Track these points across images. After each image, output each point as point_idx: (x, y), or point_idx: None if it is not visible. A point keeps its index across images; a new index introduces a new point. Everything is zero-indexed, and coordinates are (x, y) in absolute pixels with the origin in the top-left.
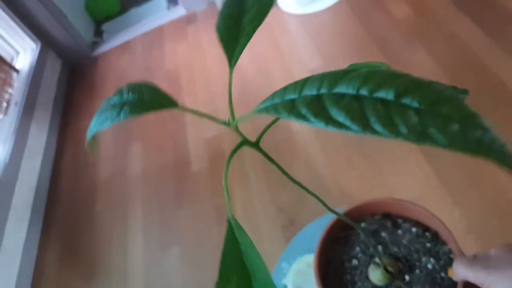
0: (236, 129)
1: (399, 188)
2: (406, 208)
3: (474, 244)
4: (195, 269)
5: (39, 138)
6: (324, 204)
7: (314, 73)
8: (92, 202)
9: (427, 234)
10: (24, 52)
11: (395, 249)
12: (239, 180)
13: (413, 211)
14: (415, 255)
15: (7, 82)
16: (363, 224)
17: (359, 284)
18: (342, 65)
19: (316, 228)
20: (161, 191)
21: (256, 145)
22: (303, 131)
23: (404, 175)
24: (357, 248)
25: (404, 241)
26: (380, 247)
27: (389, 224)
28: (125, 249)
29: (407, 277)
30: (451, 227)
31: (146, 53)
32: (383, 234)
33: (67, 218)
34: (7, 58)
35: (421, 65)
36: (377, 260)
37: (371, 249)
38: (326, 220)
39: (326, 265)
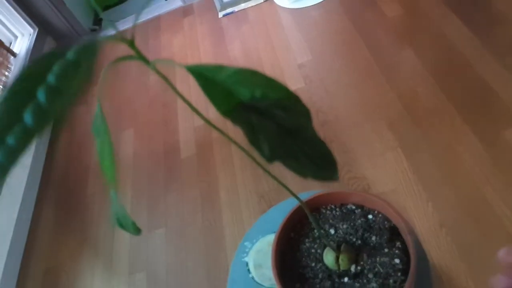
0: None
1: (376, 181)
2: (367, 199)
3: (445, 238)
4: (178, 250)
5: None
6: (288, 190)
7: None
8: (84, 185)
9: (386, 224)
10: (22, 37)
11: (353, 238)
12: (224, 167)
13: (374, 203)
14: (370, 244)
15: (4, 65)
16: (324, 211)
17: (313, 265)
18: (330, 60)
19: (280, 210)
20: (150, 176)
21: (131, 43)
22: None
23: (381, 169)
24: (317, 233)
25: (361, 230)
26: (335, 232)
27: (348, 213)
28: (113, 230)
29: (358, 268)
30: (423, 221)
31: (142, 42)
32: (342, 222)
33: (59, 199)
34: (6, 42)
35: (407, 63)
36: (332, 245)
37: (328, 234)
38: (290, 203)
39: (286, 245)
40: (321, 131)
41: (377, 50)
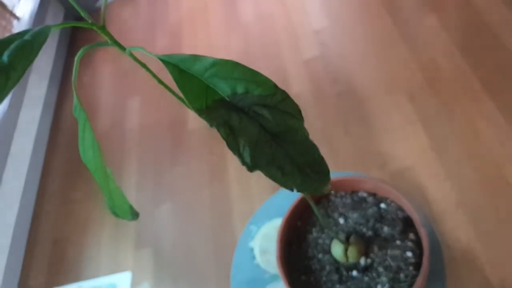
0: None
1: (392, 157)
2: (380, 187)
3: (462, 218)
4: (184, 226)
5: (39, 89)
6: None
7: (319, 34)
8: None
9: (399, 214)
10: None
11: (363, 228)
12: None
13: (387, 192)
14: (381, 235)
15: (7, 29)
16: (334, 198)
17: (320, 256)
18: (348, 27)
19: (287, 194)
20: (157, 147)
21: (102, 28)
22: (302, 94)
23: (399, 144)
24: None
25: (372, 220)
26: (345, 222)
27: (360, 201)
28: None
29: (368, 260)
30: (440, 200)
31: (149, 5)
32: (352, 211)
33: (64, 168)
34: (9, 5)
35: (430, 32)
36: (340, 237)
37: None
38: None
39: (292, 235)
40: (337, 102)
41: (399, 17)
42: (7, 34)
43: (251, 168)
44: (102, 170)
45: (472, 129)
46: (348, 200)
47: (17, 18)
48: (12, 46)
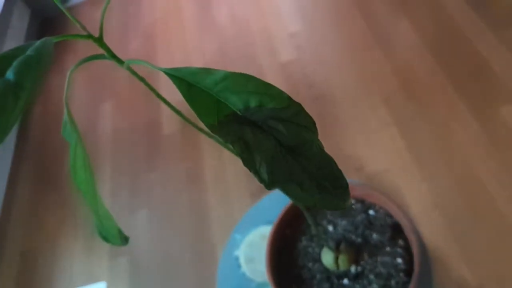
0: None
1: (369, 160)
2: (368, 194)
3: (438, 219)
4: (161, 233)
5: None
6: None
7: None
8: (61, 160)
9: (388, 220)
10: None
11: (352, 235)
12: (210, 145)
13: (375, 198)
14: (371, 242)
15: None
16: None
17: (310, 265)
18: (323, 30)
19: (273, 200)
20: (131, 152)
21: (99, 40)
22: None
23: (375, 147)
24: (314, 230)
25: (361, 227)
26: (334, 229)
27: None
28: None
29: (359, 268)
30: (417, 202)
31: (121, 7)
32: (341, 218)
33: (34, 177)
34: None
35: (404, 36)
36: (330, 245)
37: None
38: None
39: (281, 243)
40: (314, 106)
41: (373, 21)
42: None
43: (269, 186)
44: (93, 192)
45: (446, 132)
46: None
47: None
48: (15, 63)
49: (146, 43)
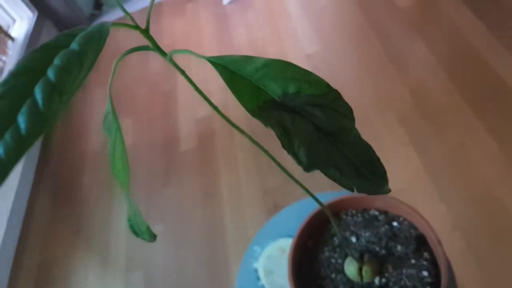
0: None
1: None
2: (392, 205)
3: (460, 242)
4: (177, 248)
5: None
6: (309, 193)
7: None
8: (80, 174)
9: (412, 232)
10: (20, 21)
11: (376, 247)
12: (227, 162)
13: (399, 209)
14: (395, 254)
15: (2, 50)
16: (345, 217)
17: (333, 276)
18: (339, 52)
19: (291, 213)
20: (148, 168)
21: (146, 31)
22: None
23: (392, 166)
24: (337, 240)
25: (385, 238)
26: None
27: (371, 219)
28: (109, 224)
29: (383, 280)
30: (436, 223)
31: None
32: (364, 229)
33: (54, 189)
34: (4, 25)
35: (418, 56)
36: (354, 255)
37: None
38: (301, 205)
39: (303, 254)
40: None
41: (388, 42)
42: (1, 55)
43: (307, 168)
44: (128, 183)
45: (463, 151)
46: (359, 219)
47: (12, 39)
48: (79, 37)
49: (166, 62)
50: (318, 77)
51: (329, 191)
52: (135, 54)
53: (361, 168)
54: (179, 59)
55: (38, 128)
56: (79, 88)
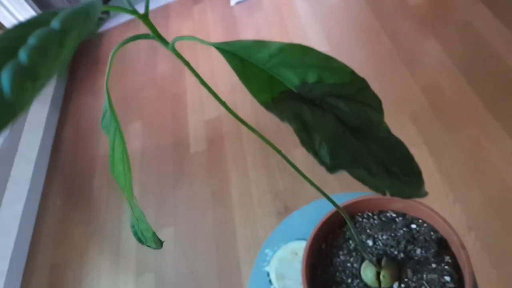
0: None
1: None
2: (410, 207)
3: (475, 242)
4: (187, 251)
5: (40, 113)
6: (325, 196)
7: None
8: (91, 177)
9: (432, 235)
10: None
11: (394, 251)
12: (236, 164)
13: (418, 211)
14: (414, 258)
15: None
16: (360, 219)
17: (349, 281)
18: (349, 51)
19: (302, 215)
20: (158, 170)
21: (144, 17)
22: None
23: None
24: (352, 244)
25: (404, 241)
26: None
27: (389, 221)
28: (119, 226)
29: (402, 285)
30: (451, 223)
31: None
32: (381, 232)
33: (65, 192)
34: (5, 24)
35: (431, 54)
36: (371, 259)
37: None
38: (312, 208)
39: (317, 258)
40: None
41: (399, 41)
42: None
43: (331, 168)
44: (130, 187)
45: (478, 151)
46: (376, 221)
47: None
48: (61, 14)
49: (174, 65)
50: (341, 63)
51: (340, 193)
52: (144, 58)
53: (392, 167)
54: (184, 56)
55: (3, 121)
56: (61, 72)
